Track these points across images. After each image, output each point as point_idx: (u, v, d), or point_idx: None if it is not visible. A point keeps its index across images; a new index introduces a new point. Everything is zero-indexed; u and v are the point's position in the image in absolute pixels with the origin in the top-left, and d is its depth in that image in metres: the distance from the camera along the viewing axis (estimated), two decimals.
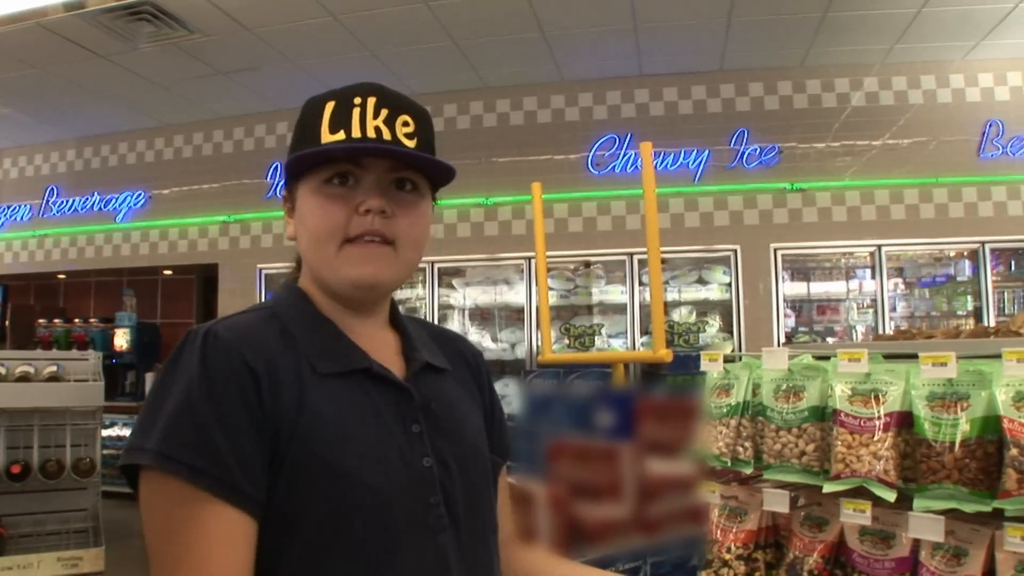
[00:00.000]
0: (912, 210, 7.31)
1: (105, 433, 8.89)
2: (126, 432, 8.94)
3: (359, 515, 1.06)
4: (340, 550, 1.05)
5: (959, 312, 7.36)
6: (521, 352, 7.61)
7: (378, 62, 7.46)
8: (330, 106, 1.18)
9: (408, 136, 1.18)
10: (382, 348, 1.23)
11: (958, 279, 7.51)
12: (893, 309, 7.43)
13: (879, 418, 1.83)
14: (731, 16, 6.54)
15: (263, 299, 8.31)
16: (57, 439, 3.85)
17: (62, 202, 9.64)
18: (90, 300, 10.56)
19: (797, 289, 7.69)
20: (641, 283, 7.40)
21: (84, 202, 9.50)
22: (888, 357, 1.92)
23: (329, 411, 1.09)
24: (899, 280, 7.69)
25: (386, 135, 1.16)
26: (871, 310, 7.43)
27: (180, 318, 10.23)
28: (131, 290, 9.82)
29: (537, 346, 7.29)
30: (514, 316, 7.96)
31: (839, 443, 1.88)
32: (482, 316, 8.11)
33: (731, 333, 7.32)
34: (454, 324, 7.93)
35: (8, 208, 9.99)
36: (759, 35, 6.93)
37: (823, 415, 1.98)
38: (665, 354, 3.07)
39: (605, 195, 7.70)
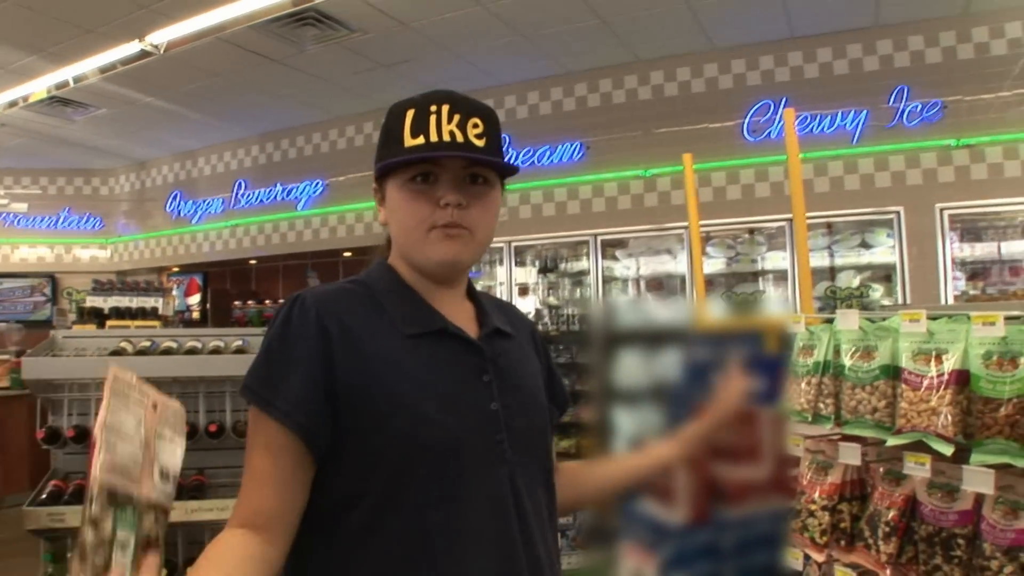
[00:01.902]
0: None
1: None
2: None
3: (434, 449, 1.27)
4: (419, 479, 1.26)
5: None
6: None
7: (530, 44, 7.67)
8: (410, 114, 1.38)
9: (478, 136, 1.39)
10: (460, 315, 1.46)
11: None
12: None
13: (939, 376, 1.90)
14: None
15: None
16: (244, 404, 4.31)
17: (249, 194, 10.46)
18: (279, 282, 11.37)
19: (968, 251, 7.36)
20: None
21: (268, 193, 10.26)
22: (952, 318, 1.97)
23: (410, 364, 1.32)
24: None
25: (459, 138, 1.36)
26: None
27: None
28: (314, 272, 10.50)
29: None
30: (680, 285, 8.02)
31: (903, 400, 1.97)
32: (655, 286, 8.17)
33: (897, 297, 7.14)
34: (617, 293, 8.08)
35: (204, 202, 10.92)
36: None
37: (894, 373, 2.06)
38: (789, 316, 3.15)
39: (762, 161, 7.62)
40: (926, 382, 1.94)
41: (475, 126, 1.39)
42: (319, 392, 1.26)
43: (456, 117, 1.37)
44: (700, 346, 1.54)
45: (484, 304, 1.53)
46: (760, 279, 7.74)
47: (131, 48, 7.34)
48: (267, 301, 10.63)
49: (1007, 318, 1.82)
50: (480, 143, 1.39)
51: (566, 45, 7.77)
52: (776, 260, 7.59)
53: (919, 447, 1.93)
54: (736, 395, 1.53)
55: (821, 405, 2.25)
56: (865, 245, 7.38)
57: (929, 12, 7.10)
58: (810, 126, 7.34)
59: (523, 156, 8.55)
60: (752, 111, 7.63)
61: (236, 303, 10.79)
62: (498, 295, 8.79)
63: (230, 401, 4.24)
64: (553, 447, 1.53)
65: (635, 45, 7.81)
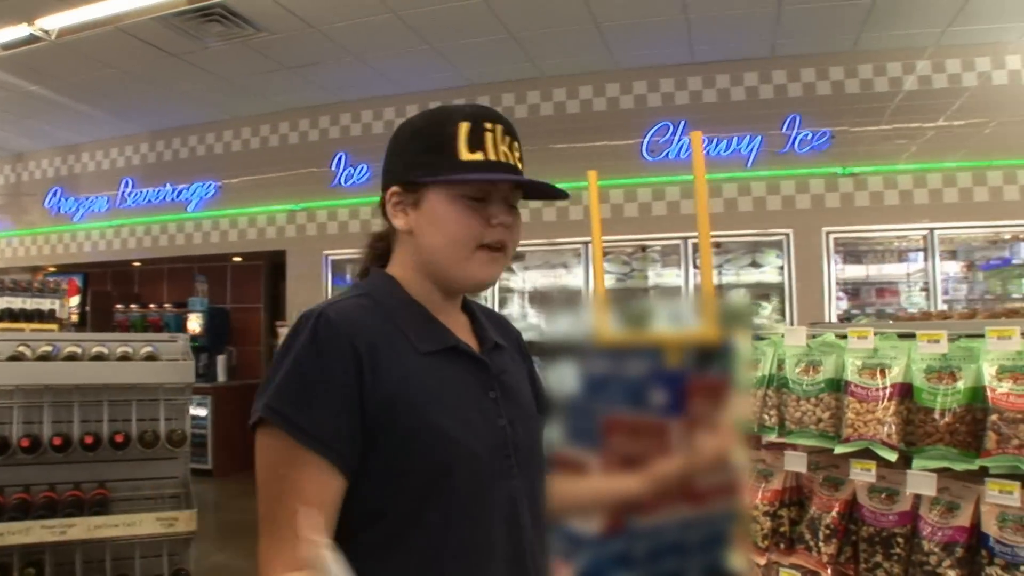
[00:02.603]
0: (966, 193, 7.35)
1: None
2: (201, 411, 9.37)
3: (456, 467, 1.29)
4: (440, 496, 1.28)
5: (1014, 295, 7.37)
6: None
7: (437, 54, 7.71)
8: (464, 127, 1.37)
9: (519, 160, 1.43)
10: (459, 327, 1.47)
11: (1013, 262, 7.53)
12: (946, 292, 7.48)
13: (884, 388, 2.07)
14: (781, 3, 6.64)
15: (329, 284, 8.62)
16: (152, 413, 4.18)
17: (137, 193, 10.11)
18: (163, 286, 11.01)
19: (852, 272, 7.77)
20: (695, 266, 7.57)
21: (157, 193, 9.94)
22: (902, 336, 2.14)
23: (430, 383, 1.32)
24: (953, 263, 7.73)
25: (511, 160, 1.39)
26: (924, 292, 7.50)
27: (249, 303, 10.62)
28: (203, 276, 10.24)
29: None
30: (575, 297, 8.15)
31: (849, 411, 2.14)
32: (542, 299, 8.30)
33: (784, 315, 7.45)
34: (514, 307, 8.17)
35: (87, 200, 10.50)
36: (810, 21, 7.01)
37: (837, 386, 2.22)
38: (714, 335, 3.26)
39: (660, 180, 7.86)
40: (872, 394, 2.09)
41: (517, 149, 1.43)
42: (355, 417, 1.25)
43: (507, 139, 1.40)
44: (599, 360, 1.59)
45: (479, 315, 1.55)
46: (651, 295, 7.94)
47: (19, 31, 6.98)
48: (152, 305, 10.36)
49: (950, 336, 1.99)
50: (520, 166, 1.43)
51: (472, 57, 7.85)
52: (669, 277, 7.82)
53: (863, 454, 2.08)
54: (718, 447, 1.53)
55: (765, 416, 2.37)
56: (755, 264, 7.69)
57: (821, 47, 7.50)
58: (707, 148, 7.62)
59: None
60: (651, 132, 7.86)
61: (118, 306, 10.47)
62: None
63: (136, 410, 4.09)
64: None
65: (540, 61, 7.95)
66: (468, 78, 8.37)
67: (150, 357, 4.19)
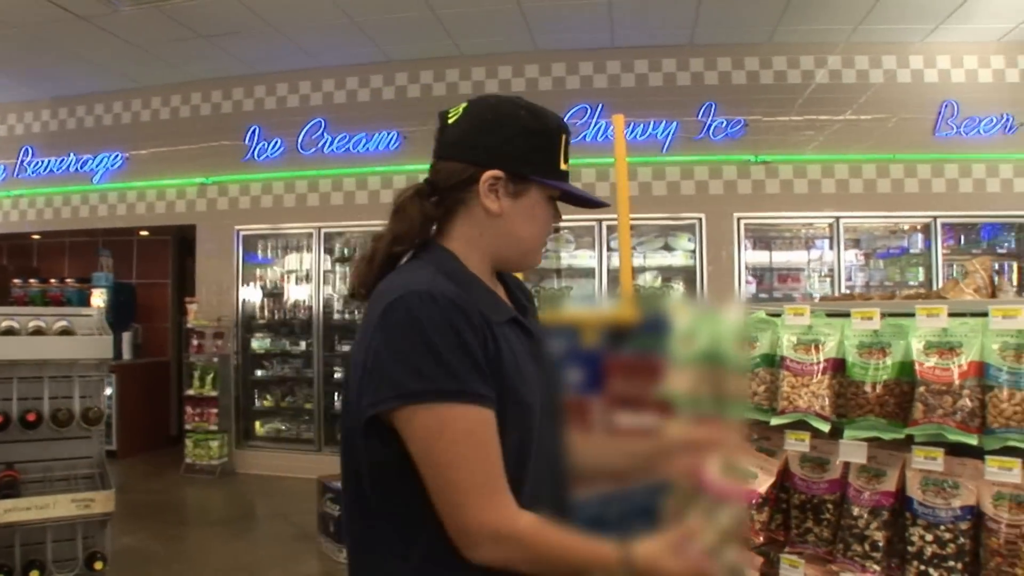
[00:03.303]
0: (870, 184, 7.64)
1: None
2: (106, 390, 9.04)
3: (529, 425, 1.42)
4: (523, 449, 1.41)
5: (911, 283, 7.71)
6: None
7: (357, 28, 7.61)
8: (564, 139, 1.57)
9: None
10: (504, 297, 1.60)
11: (911, 251, 7.87)
12: (849, 279, 7.78)
13: (818, 363, 2.19)
14: None
15: (240, 260, 8.46)
16: (65, 391, 4.01)
17: (37, 163, 9.67)
18: (64, 260, 10.60)
19: (759, 257, 8.00)
20: (609, 248, 7.68)
21: (60, 163, 9.54)
22: (829, 315, 2.26)
23: (507, 350, 1.42)
24: (856, 251, 8.03)
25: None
26: (828, 279, 7.77)
27: (156, 278, 10.33)
28: (107, 251, 9.92)
29: None
30: None
31: (784, 384, 2.25)
32: None
33: (695, 298, 7.62)
34: None
35: None
36: (729, 11, 7.17)
37: (772, 361, 2.34)
38: (632, 314, 3.31)
39: (576, 163, 7.80)
40: (806, 368, 2.20)
41: None
42: (487, 375, 1.36)
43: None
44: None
45: (511, 285, 1.68)
46: (564, 276, 8.05)
47: None
48: (52, 280, 9.99)
49: (882, 314, 2.11)
50: None
51: (392, 32, 7.77)
52: (583, 258, 7.92)
53: (797, 426, 2.19)
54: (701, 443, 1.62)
55: None
56: (668, 248, 7.85)
57: (738, 37, 7.70)
58: (624, 133, 7.70)
59: (338, 142, 8.49)
60: (569, 114, 7.91)
61: (16, 281, 10.06)
62: (293, 283, 8.71)
63: (48, 387, 3.93)
64: None
65: (460, 39, 7.93)
66: (387, 54, 8.29)
67: (65, 332, 4.03)
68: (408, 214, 1.53)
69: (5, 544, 3.70)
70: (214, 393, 8.39)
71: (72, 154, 9.49)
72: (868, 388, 2.07)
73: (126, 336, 9.47)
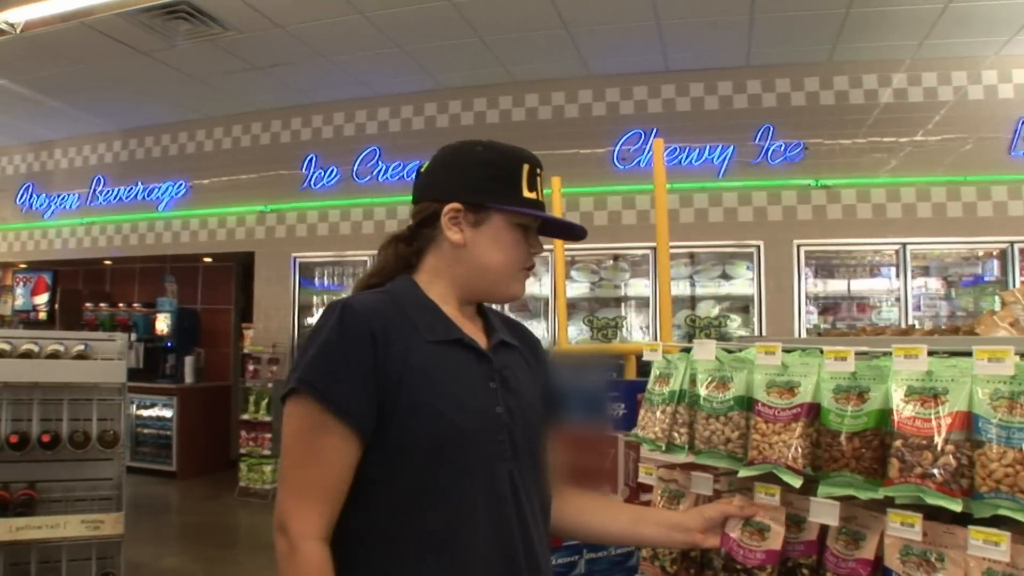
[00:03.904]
0: (939, 208, 7.26)
1: (146, 413, 9.26)
2: (167, 412, 9.26)
3: (447, 444, 1.48)
4: (436, 470, 1.47)
5: (986, 311, 7.27)
6: (546, 342, 7.71)
7: (408, 57, 7.61)
8: (526, 168, 1.64)
9: None
10: (470, 326, 1.66)
11: (986, 279, 7.45)
12: (918, 308, 7.39)
13: (791, 408, 1.92)
14: (754, 12, 6.55)
15: (297, 286, 8.59)
16: (86, 413, 4.13)
17: (108, 191, 9.99)
18: (134, 286, 10.90)
19: (821, 286, 7.68)
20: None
21: (128, 191, 9.83)
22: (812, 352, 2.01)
23: (431, 368, 1.51)
24: (926, 279, 7.64)
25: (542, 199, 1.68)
26: (895, 308, 7.40)
27: (219, 304, 10.53)
28: (172, 276, 10.13)
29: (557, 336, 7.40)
30: (543, 307, 8.06)
31: (755, 431, 1.98)
32: (519, 307, 8.17)
33: (754, 329, 7.36)
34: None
35: (58, 196, 10.38)
36: (783, 31, 6.93)
37: (748, 404, 2.07)
38: (645, 344, 3.16)
39: (630, 189, 7.76)
40: (778, 414, 1.95)
41: None
42: (371, 393, 1.45)
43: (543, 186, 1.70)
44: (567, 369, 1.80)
45: (492, 319, 1.74)
46: (622, 305, 7.86)
47: None
48: (121, 304, 10.25)
49: (857, 353, 1.85)
50: None
51: (443, 61, 7.74)
52: (639, 287, 7.74)
53: (770, 478, 1.94)
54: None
55: (675, 434, 2.23)
56: (725, 276, 7.61)
57: (796, 57, 7.42)
58: (678, 158, 7.53)
59: (392, 170, 8.50)
60: (623, 139, 7.77)
61: (88, 305, 10.37)
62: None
63: (68, 409, 4.02)
64: (547, 448, 1.75)
65: (511, 66, 7.85)
66: (440, 82, 8.27)
67: (81, 356, 4.10)
68: (384, 254, 1.71)
69: (23, 561, 3.83)
70: (268, 418, 8.44)
71: (140, 183, 9.77)
72: (843, 439, 1.80)
73: (188, 360, 9.63)
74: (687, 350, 2.35)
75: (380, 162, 8.54)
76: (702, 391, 2.19)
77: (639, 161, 7.71)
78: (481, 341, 1.65)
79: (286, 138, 9.10)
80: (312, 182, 8.81)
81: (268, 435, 8.41)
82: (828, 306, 7.73)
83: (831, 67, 7.49)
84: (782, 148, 7.46)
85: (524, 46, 7.36)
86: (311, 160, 8.82)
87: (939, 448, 1.62)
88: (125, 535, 4.11)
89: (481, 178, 1.62)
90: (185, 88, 8.55)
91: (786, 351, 2.05)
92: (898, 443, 1.70)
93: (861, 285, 7.69)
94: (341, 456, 1.44)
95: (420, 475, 1.46)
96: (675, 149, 7.51)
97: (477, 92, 8.34)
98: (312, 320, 9.01)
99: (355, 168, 8.61)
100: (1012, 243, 7.07)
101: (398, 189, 8.40)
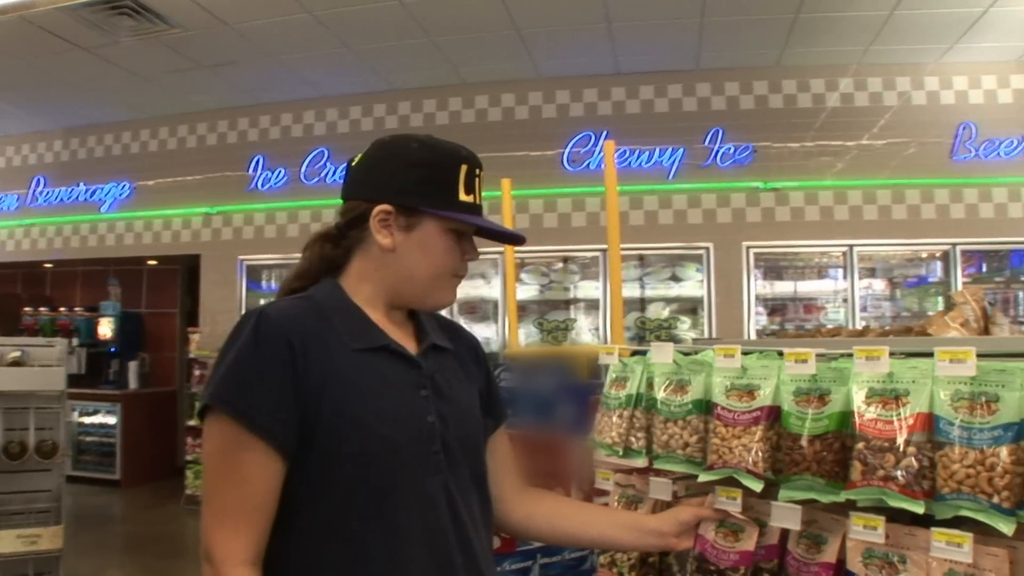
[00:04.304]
0: (885, 211, 7.38)
1: (88, 420, 9.04)
2: (110, 419, 9.05)
3: (375, 458, 1.40)
4: (365, 485, 1.39)
5: (930, 312, 7.42)
6: (496, 345, 7.69)
7: (357, 58, 7.54)
8: (463, 169, 1.54)
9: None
10: (399, 331, 1.58)
11: (930, 280, 7.59)
12: (864, 309, 7.49)
13: (751, 412, 1.90)
14: (704, 16, 6.60)
15: (244, 289, 8.43)
16: (22, 423, 3.99)
17: (48, 192, 9.73)
18: (76, 289, 10.62)
19: (769, 288, 7.76)
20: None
21: (70, 192, 9.58)
22: (770, 354, 1.99)
23: (356, 378, 1.43)
24: (871, 280, 7.75)
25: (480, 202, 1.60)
26: (842, 309, 7.50)
27: (165, 307, 10.31)
28: (116, 279, 9.89)
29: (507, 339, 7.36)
30: (492, 310, 8.03)
31: (715, 435, 1.95)
32: (468, 309, 8.13)
33: (704, 331, 7.40)
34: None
35: None
36: (733, 35, 6.99)
37: (706, 408, 2.05)
38: (601, 347, 3.14)
39: (580, 191, 7.77)
40: (738, 417, 1.93)
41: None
42: (291, 406, 1.36)
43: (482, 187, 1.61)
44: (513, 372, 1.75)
45: (424, 322, 1.65)
46: (572, 307, 7.86)
47: None
48: (62, 308, 10.00)
49: (818, 356, 1.84)
50: None
51: (392, 61, 7.68)
52: (588, 289, 7.75)
53: (730, 482, 1.92)
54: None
55: (633, 439, 2.21)
56: (675, 278, 7.65)
57: (745, 61, 7.50)
58: (629, 160, 7.55)
59: (341, 172, 8.33)
60: (573, 142, 7.77)
61: (27, 309, 10.09)
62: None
63: (2, 419, 3.89)
64: (487, 458, 1.67)
65: (461, 67, 7.82)
66: (390, 83, 8.20)
67: (17, 363, 3.96)
68: (308, 254, 1.61)
69: None
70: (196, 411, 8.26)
71: (82, 184, 9.52)
72: (804, 442, 1.78)
73: (133, 365, 9.43)
74: (639, 353, 2.33)
75: (328, 163, 8.44)
76: (659, 395, 2.16)
77: (589, 163, 7.72)
78: (411, 346, 1.57)
79: (233, 139, 8.95)
80: (259, 183, 8.68)
81: None
82: (776, 307, 7.81)
83: (780, 71, 7.58)
84: (731, 151, 7.52)
85: (474, 47, 7.33)
86: (258, 161, 8.69)
87: (901, 450, 1.61)
88: (65, 549, 3.99)
89: (414, 179, 1.53)
90: (129, 87, 8.36)
91: (745, 353, 2.04)
92: (860, 445, 1.68)
93: (809, 286, 7.79)
94: (263, 475, 1.35)
95: (348, 492, 1.39)
96: (625, 151, 7.52)
97: (427, 93, 8.28)
98: None
99: (303, 169, 8.50)
100: (954, 245, 7.21)
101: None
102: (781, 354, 1.95)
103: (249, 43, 7.22)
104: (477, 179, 1.57)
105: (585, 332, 7.77)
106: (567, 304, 7.90)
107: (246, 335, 1.38)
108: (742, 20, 6.67)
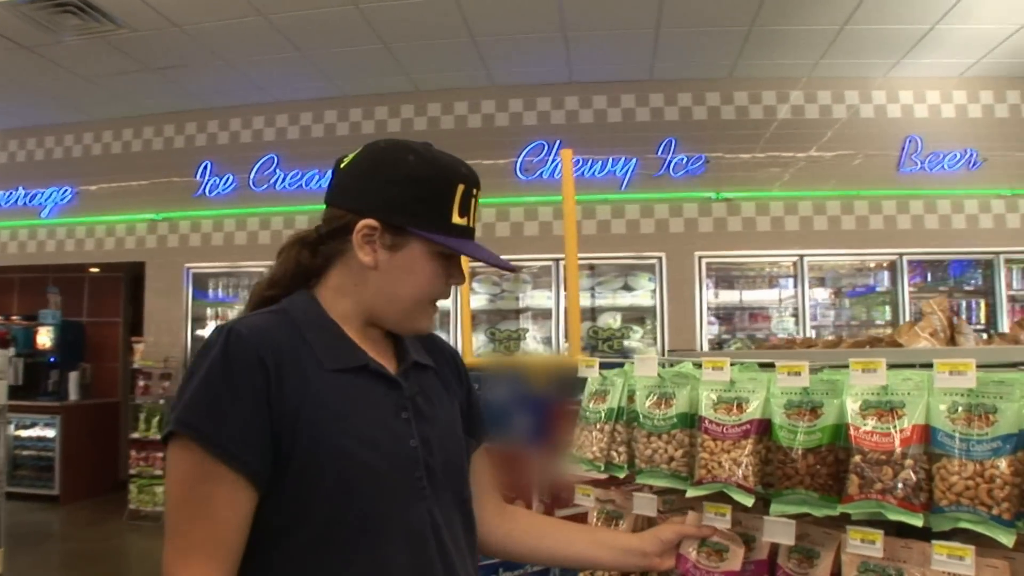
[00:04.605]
0: (834, 221, 7.48)
1: (25, 434, 8.77)
2: (49, 432, 8.78)
3: (356, 486, 1.30)
4: (345, 515, 1.30)
5: (878, 321, 7.54)
6: None
7: (309, 63, 7.44)
8: (460, 189, 1.44)
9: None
10: (377, 348, 1.48)
11: (878, 289, 7.71)
12: (814, 318, 7.58)
13: (740, 425, 1.87)
14: (659, 27, 6.63)
15: (190, 298, 8.24)
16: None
17: None
18: (13, 297, 10.30)
19: (722, 297, 7.82)
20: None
21: (8, 196, 9.28)
22: (764, 367, 1.96)
23: (332, 400, 1.33)
24: (821, 289, 7.86)
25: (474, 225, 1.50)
26: (793, 318, 7.58)
27: (107, 316, 10.05)
28: (56, 287, 9.63)
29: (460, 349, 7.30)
30: (444, 319, 7.97)
31: (702, 449, 1.92)
32: None
33: (656, 340, 7.42)
34: None
35: None
36: (687, 46, 7.04)
37: (692, 421, 2.02)
38: (580, 359, 3.10)
39: (533, 200, 7.75)
40: (726, 431, 1.90)
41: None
42: (265, 431, 1.27)
43: (478, 208, 1.52)
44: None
45: (404, 340, 1.55)
46: (521, 317, 7.83)
47: None
48: None
49: (813, 368, 1.82)
50: None
51: (345, 67, 7.59)
52: (539, 299, 7.72)
53: (718, 498, 1.89)
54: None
55: (614, 453, 2.17)
56: (627, 288, 7.66)
57: (698, 72, 7.56)
58: (582, 169, 7.56)
59: (291, 179, 8.28)
60: (526, 151, 7.76)
61: None
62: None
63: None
64: (469, 477, 1.59)
65: (414, 74, 7.76)
66: (341, 89, 8.11)
67: None
68: (284, 259, 1.50)
69: None
70: (159, 436, 8.06)
71: (20, 188, 9.23)
72: (797, 455, 1.75)
73: (73, 376, 9.17)
74: (611, 365, 2.29)
75: (278, 170, 8.31)
76: (642, 408, 2.12)
77: (542, 172, 7.71)
78: (390, 364, 1.48)
79: (180, 143, 8.77)
80: (207, 190, 8.50)
81: (160, 454, 8.05)
82: (727, 316, 7.87)
83: (732, 83, 7.66)
84: (684, 161, 7.57)
85: (428, 54, 7.28)
86: (206, 167, 8.52)
87: (899, 462, 1.60)
88: (1, 570, 3.84)
89: (406, 196, 1.41)
90: (72, 88, 8.13)
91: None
92: (857, 458, 1.66)
93: (760, 296, 7.87)
94: (233, 507, 1.25)
95: (327, 523, 1.29)
96: (578, 161, 7.52)
97: (379, 100, 8.21)
98: (205, 332, 8.71)
99: (252, 176, 8.36)
100: (901, 255, 7.35)
101: (296, 198, 8.19)
102: (766, 366, 1.93)
103: (199, 46, 7.07)
104: (473, 199, 1.48)
105: (532, 342, 7.74)
106: (516, 314, 7.87)
107: (215, 354, 1.27)
108: (696, 32, 6.73)
